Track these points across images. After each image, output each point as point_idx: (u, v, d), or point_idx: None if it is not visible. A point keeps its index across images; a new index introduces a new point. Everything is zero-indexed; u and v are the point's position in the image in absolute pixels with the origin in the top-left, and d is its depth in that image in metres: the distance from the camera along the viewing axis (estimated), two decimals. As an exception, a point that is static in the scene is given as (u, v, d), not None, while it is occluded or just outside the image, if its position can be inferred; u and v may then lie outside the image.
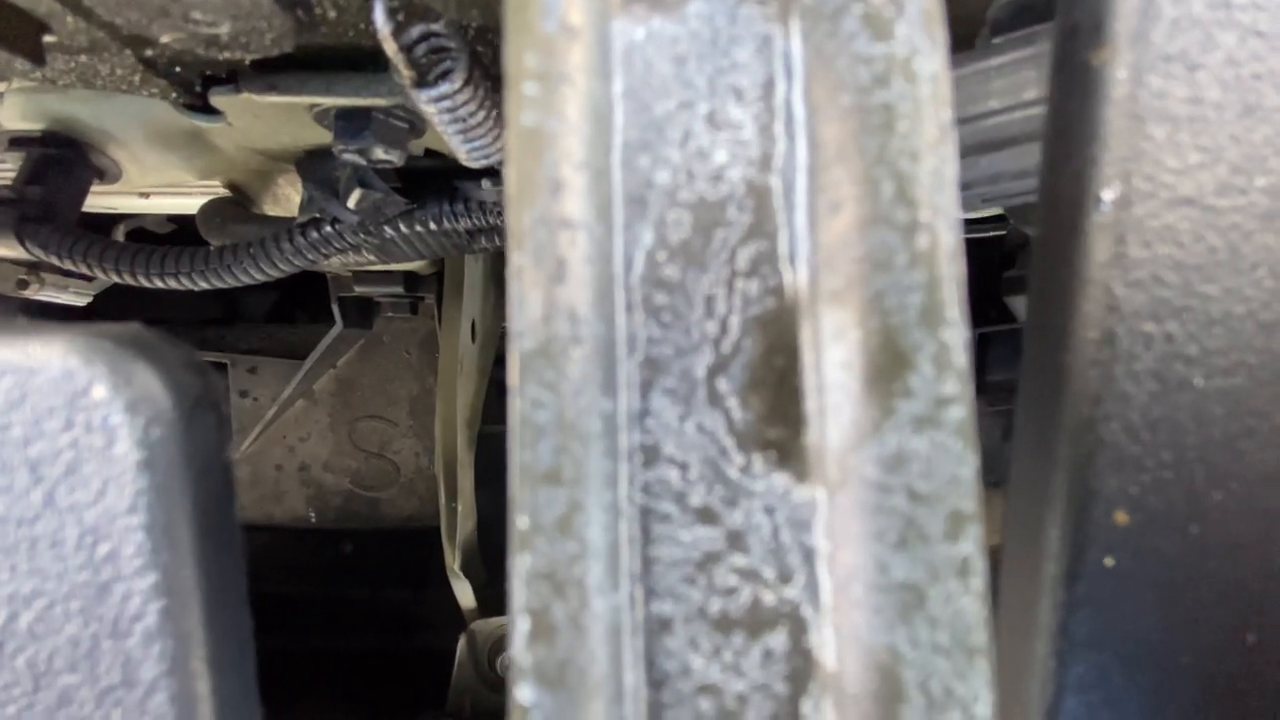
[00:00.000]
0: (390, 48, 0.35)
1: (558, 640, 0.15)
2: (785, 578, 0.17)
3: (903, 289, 0.17)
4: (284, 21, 0.33)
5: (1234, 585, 0.25)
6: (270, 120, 0.58)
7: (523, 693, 0.15)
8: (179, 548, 0.23)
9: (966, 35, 0.42)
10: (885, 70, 0.18)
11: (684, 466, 0.18)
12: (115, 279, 0.75)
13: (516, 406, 0.16)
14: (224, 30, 0.33)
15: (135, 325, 0.24)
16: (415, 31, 0.38)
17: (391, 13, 0.34)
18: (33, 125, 0.76)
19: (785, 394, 0.18)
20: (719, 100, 0.18)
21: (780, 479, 0.18)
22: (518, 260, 0.16)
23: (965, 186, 0.41)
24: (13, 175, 0.78)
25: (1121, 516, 0.24)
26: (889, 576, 0.17)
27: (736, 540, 0.18)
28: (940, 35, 0.18)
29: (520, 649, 0.15)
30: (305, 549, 1.34)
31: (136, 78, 0.47)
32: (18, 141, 0.77)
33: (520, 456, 0.16)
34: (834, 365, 0.18)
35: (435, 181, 0.72)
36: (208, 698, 0.25)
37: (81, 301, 1.06)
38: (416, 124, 0.56)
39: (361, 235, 0.72)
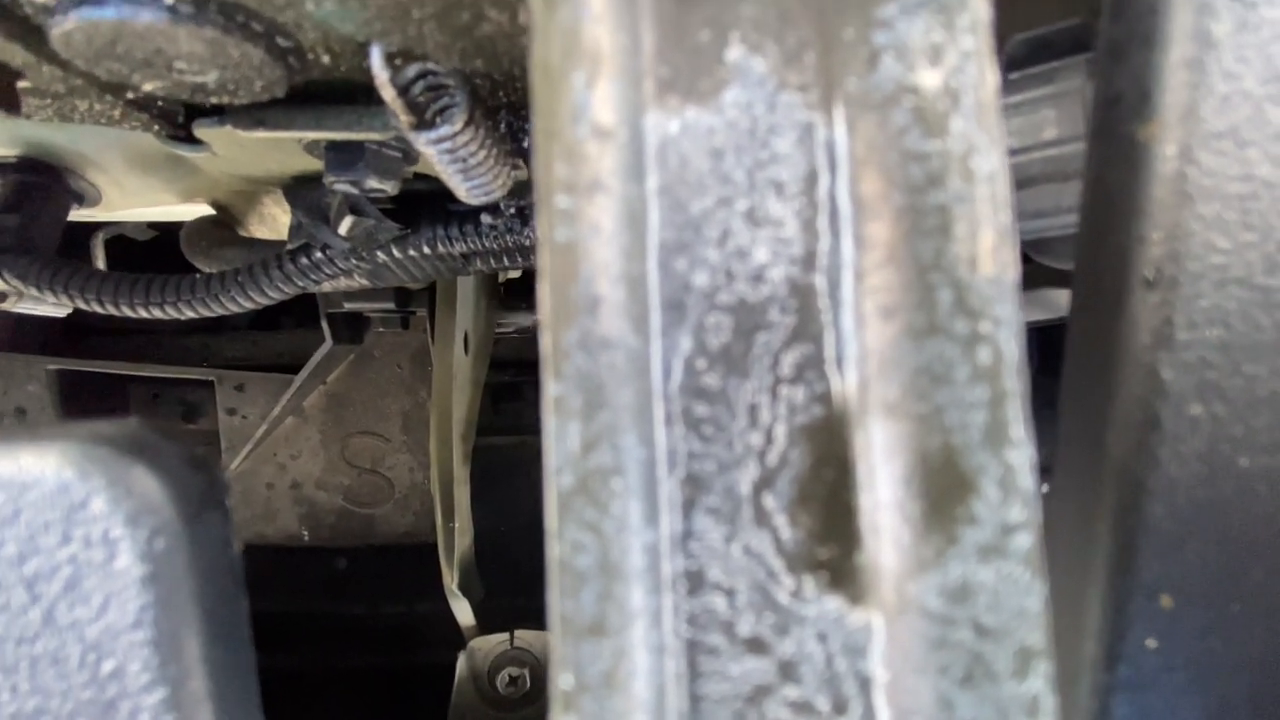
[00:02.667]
0: (388, 94, 0.33)
1: (608, 803, 0.14)
2: (840, 708, 0.16)
3: (964, 406, 0.16)
4: (274, 70, 0.31)
5: (1272, 661, 0.24)
6: (257, 150, 0.56)
7: None
8: (187, 659, 0.22)
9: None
10: (940, 169, 0.17)
11: (731, 593, 0.17)
12: (98, 309, 0.72)
13: (556, 552, 0.15)
14: (210, 79, 0.32)
15: (133, 423, 0.22)
16: (412, 71, 0.36)
17: (389, 58, 0.32)
18: (7, 152, 0.73)
19: (837, 509, 0.17)
20: (759, 195, 0.17)
21: (833, 602, 0.17)
22: (556, 390, 0.15)
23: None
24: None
25: (1166, 600, 0.23)
26: (954, 715, 0.16)
27: (788, 670, 0.17)
28: (998, 130, 0.17)
29: (569, 816, 0.14)
30: (299, 567, 1.32)
31: (117, 113, 0.45)
32: (-9, 166, 0.75)
33: (562, 607, 0.15)
34: (889, 482, 0.17)
35: (429, 205, 0.70)
36: (218, 808, 0.23)
37: (61, 312, 1.04)
38: (411, 153, 0.54)
39: (353, 261, 0.70)
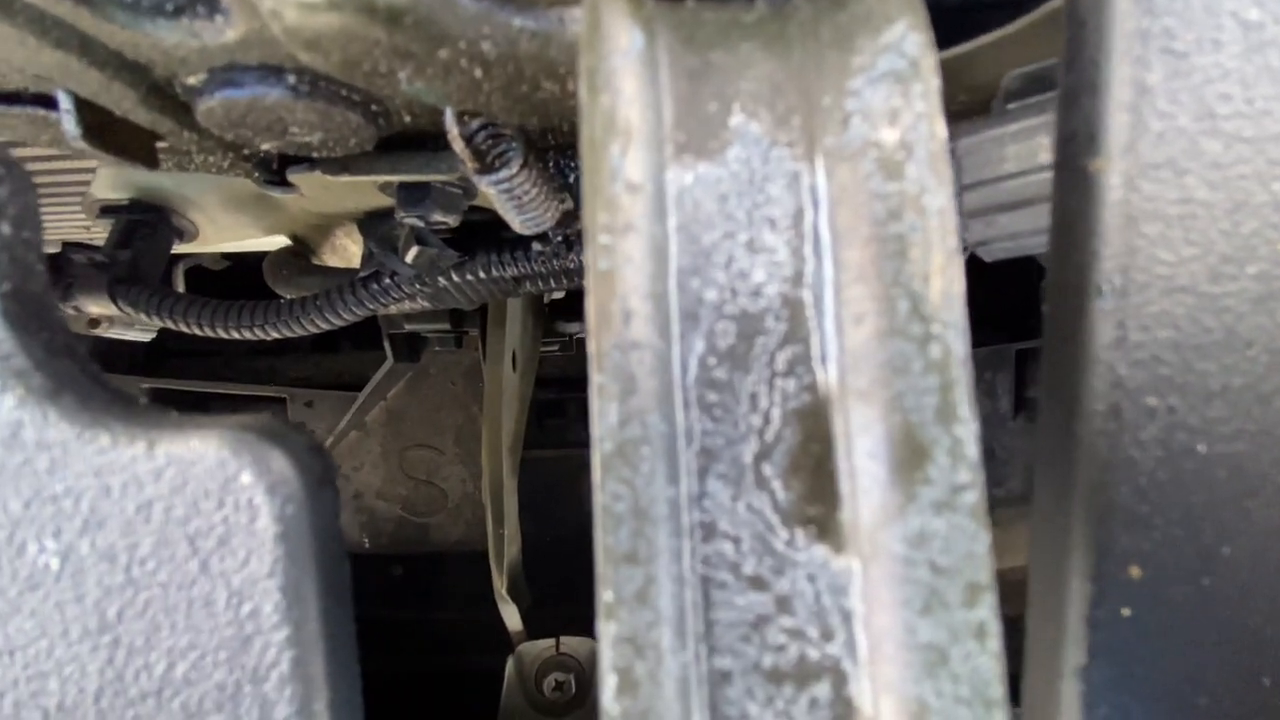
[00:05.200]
0: (458, 146, 0.39)
1: (640, 693, 0.19)
2: (827, 636, 0.21)
3: (919, 391, 0.20)
4: (367, 129, 0.37)
5: (1247, 632, 0.27)
6: (339, 190, 0.64)
7: (613, 737, 0.19)
8: (306, 605, 0.27)
9: (984, 101, 0.44)
10: (899, 205, 0.21)
11: (737, 541, 0.21)
12: (198, 332, 0.82)
13: (600, 499, 0.20)
14: (316, 138, 0.38)
15: (267, 416, 0.28)
16: (475, 124, 0.42)
17: (458, 116, 0.39)
18: (121, 195, 0.84)
19: (822, 477, 0.21)
20: (756, 229, 0.22)
21: (820, 551, 0.21)
22: (599, 379, 0.20)
23: (986, 243, 0.44)
24: (103, 240, 0.86)
25: (1135, 571, 0.26)
26: (916, 637, 0.19)
27: (784, 604, 0.21)
28: (946, 173, 0.21)
29: (610, 700, 0.19)
30: (359, 574, 1.39)
31: (226, 163, 0.53)
32: (107, 210, 0.86)
33: (604, 540, 0.19)
34: (863, 454, 0.21)
35: (485, 234, 0.77)
36: (327, 732, 0.29)
37: (146, 337, 1.14)
38: (470, 190, 0.61)
39: (417, 285, 0.77)
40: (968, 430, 0.20)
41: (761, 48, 0.22)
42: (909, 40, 0.21)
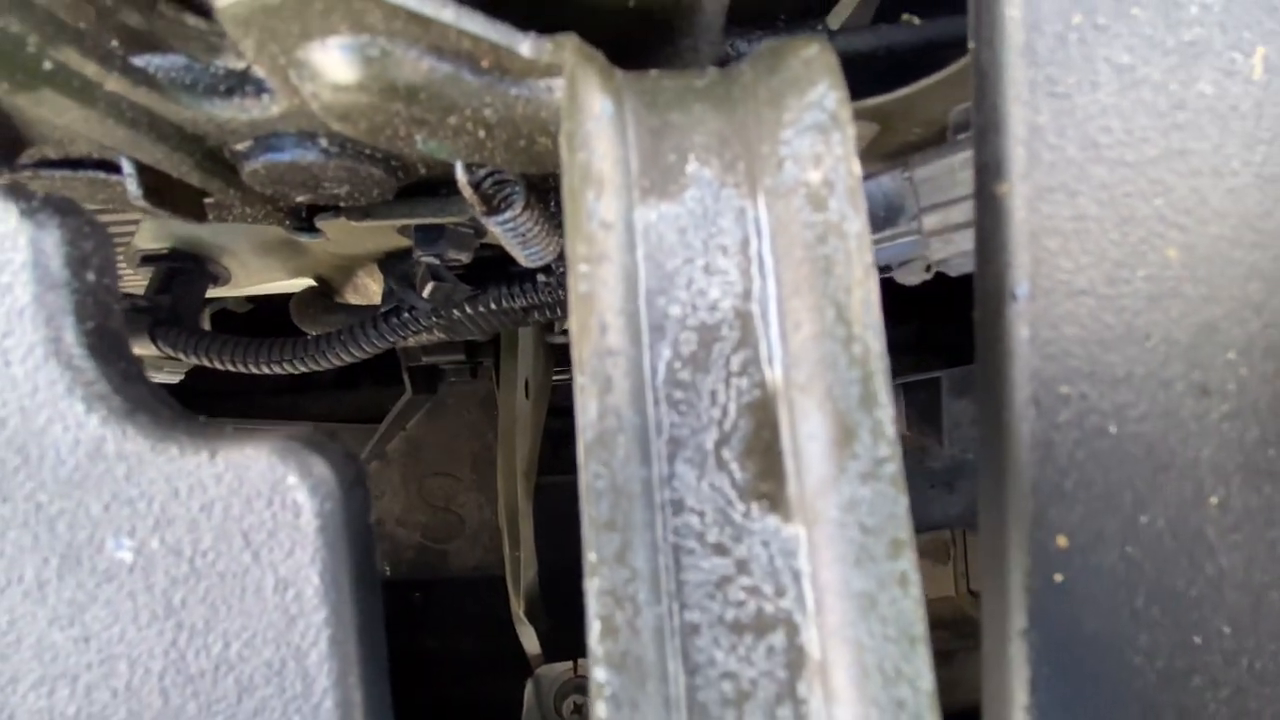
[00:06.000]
0: (467, 192, 0.45)
1: (620, 637, 0.23)
2: (780, 593, 0.24)
3: (846, 383, 0.24)
4: (388, 181, 0.43)
5: (1173, 594, 0.30)
6: (360, 233, 0.70)
7: (598, 674, 0.22)
8: (342, 590, 0.32)
9: (938, 133, 0.49)
10: (824, 231, 0.26)
11: (702, 514, 0.25)
12: (233, 369, 0.88)
13: (584, 478, 0.24)
14: (343, 191, 0.44)
15: (308, 428, 0.33)
16: (482, 172, 0.48)
17: (466, 166, 0.44)
18: (161, 245, 0.91)
19: (771, 458, 0.25)
20: (711, 255, 0.27)
21: (772, 520, 0.25)
22: (580, 380, 0.25)
23: (947, 260, 0.48)
24: (144, 287, 0.93)
25: (1062, 540, 0.30)
26: (852, 587, 0.23)
27: (743, 566, 0.25)
28: (861, 205, 0.26)
29: (595, 642, 0.23)
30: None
31: (261, 214, 0.59)
32: (148, 259, 0.93)
33: (588, 511, 0.24)
34: (804, 437, 0.25)
35: (494, 269, 0.83)
36: (359, 704, 0.33)
37: (174, 379, 1.20)
38: (480, 229, 0.67)
39: (434, 318, 0.83)
40: (886, 413, 0.24)
41: (711, 108, 0.27)
42: (829, 98, 0.26)
